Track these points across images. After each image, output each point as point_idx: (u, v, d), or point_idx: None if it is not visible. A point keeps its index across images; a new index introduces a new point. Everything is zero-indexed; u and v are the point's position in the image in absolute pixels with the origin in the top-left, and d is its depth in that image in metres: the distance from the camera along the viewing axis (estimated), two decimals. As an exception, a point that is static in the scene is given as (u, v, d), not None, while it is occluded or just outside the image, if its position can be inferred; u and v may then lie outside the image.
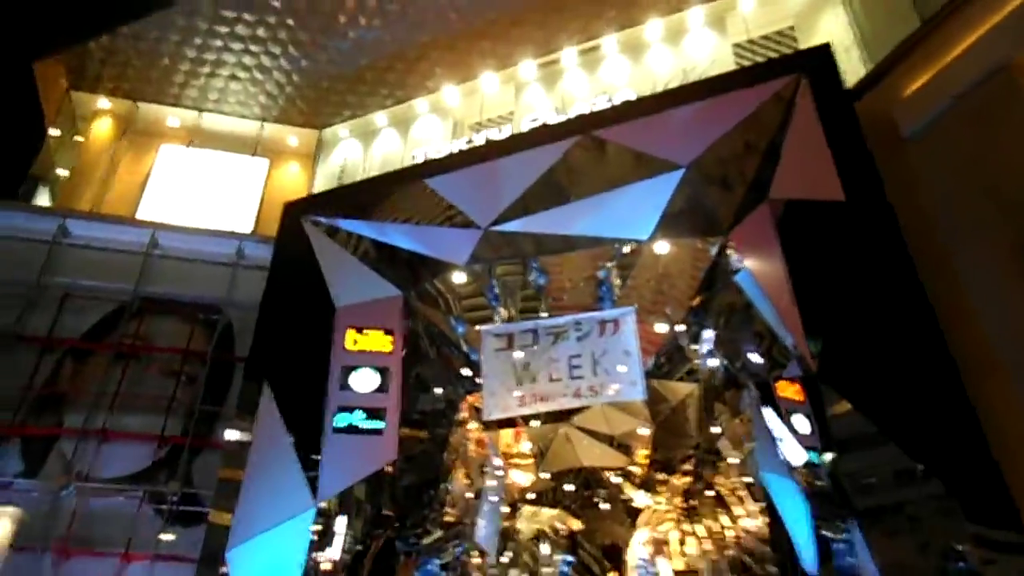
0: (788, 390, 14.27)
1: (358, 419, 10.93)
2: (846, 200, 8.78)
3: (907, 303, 8.40)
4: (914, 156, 9.32)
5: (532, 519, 25.93)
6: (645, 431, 18.85)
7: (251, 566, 9.80)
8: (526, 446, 22.37)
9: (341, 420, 10.89)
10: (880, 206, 8.71)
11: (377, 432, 10.92)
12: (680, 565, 19.64)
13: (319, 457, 10.51)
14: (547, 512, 27.06)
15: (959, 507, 7.98)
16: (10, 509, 10.67)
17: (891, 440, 7.58)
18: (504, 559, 18.30)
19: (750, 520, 18.22)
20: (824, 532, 14.09)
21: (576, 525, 27.31)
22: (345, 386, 11.12)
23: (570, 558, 19.58)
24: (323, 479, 10.41)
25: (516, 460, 21.45)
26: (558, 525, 26.16)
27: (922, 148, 9.26)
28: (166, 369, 12.34)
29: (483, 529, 16.69)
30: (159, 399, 12.10)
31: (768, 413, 15.48)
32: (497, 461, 16.45)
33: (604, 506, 26.73)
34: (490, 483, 16.62)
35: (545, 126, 15.07)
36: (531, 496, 22.23)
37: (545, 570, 18.40)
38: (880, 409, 7.71)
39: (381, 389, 11.17)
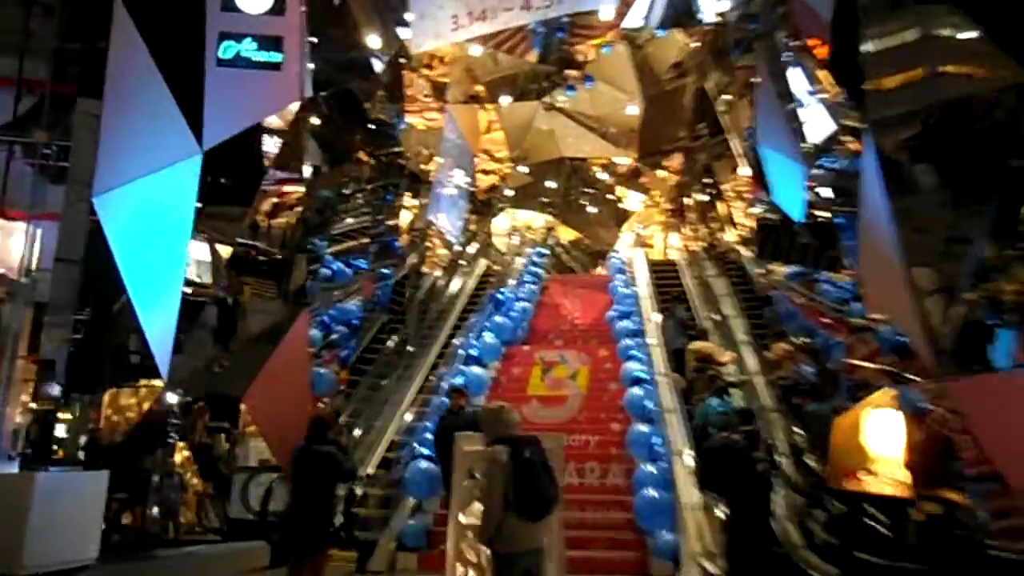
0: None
1: (248, 49, 8.63)
2: None
3: None
4: None
5: (513, 220, 24.88)
6: (633, 110, 16.46)
7: (127, 215, 8.23)
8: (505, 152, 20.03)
9: (227, 50, 8.61)
10: None
11: (273, 66, 8.69)
12: (658, 257, 18.82)
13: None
14: (530, 215, 26.02)
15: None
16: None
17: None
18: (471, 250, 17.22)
19: (741, 218, 16.80)
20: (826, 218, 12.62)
21: (565, 234, 26.44)
22: (229, 6, 8.64)
23: (544, 250, 18.67)
24: (208, 120, 8.42)
25: (490, 152, 19.52)
26: (543, 231, 25.18)
27: None
28: (17, -2, 9.77)
29: (448, 219, 15.27)
30: (12, 35, 9.74)
31: (794, 75, 12.97)
32: (454, 136, 14.38)
33: (592, 209, 25.61)
34: (449, 170, 14.73)
35: None
36: (509, 192, 20.72)
37: (517, 261, 17.43)
38: None
39: (276, 11, 8.71)
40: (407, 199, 13.29)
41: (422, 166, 13.58)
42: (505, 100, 15.78)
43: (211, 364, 8.53)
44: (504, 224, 23.31)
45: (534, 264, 17.28)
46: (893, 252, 7.48)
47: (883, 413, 7.08)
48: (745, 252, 15.09)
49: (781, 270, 14.11)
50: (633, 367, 9.94)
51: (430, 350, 12.70)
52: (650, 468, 7.49)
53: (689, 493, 7.20)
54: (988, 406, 5.66)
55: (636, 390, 9.21)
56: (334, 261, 11.03)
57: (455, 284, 15.58)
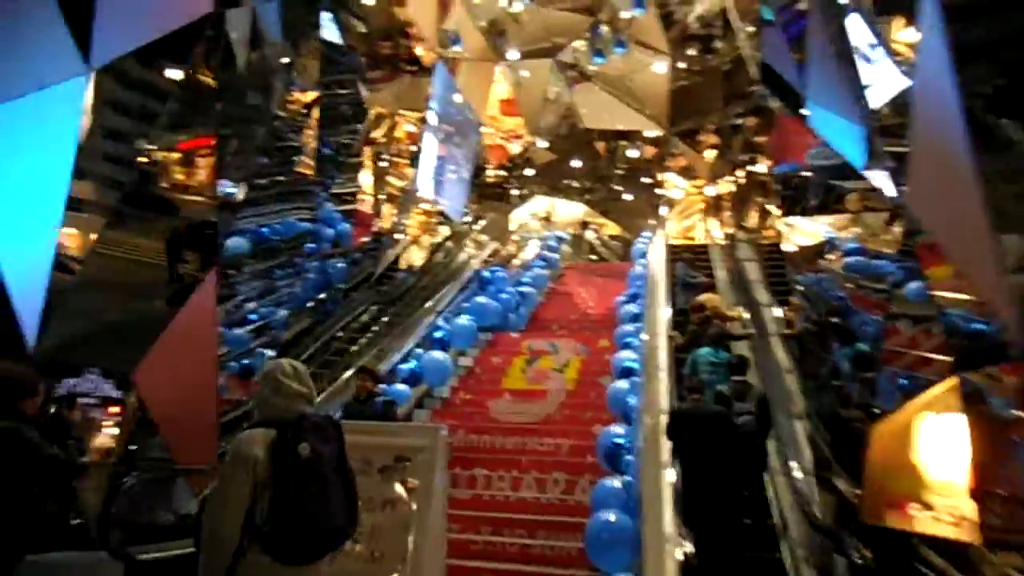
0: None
1: (149, -50, 7.11)
2: None
3: None
4: None
5: (553, 214, 22.91)
6: (661, 68, 14.29)
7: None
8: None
9: (124, -50, 7.10)
10: None
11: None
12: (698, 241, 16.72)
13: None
14: (568, 209, 24.00)
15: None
16: None
17: None
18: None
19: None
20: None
21: (607, 230, 24.37)
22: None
23: (563, 234, 16.74)
24: (97, 34, 6.92)
25: (512, 131, 17.68)
26: (579, 225, 23.15)
27: None
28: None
29: (444, 193, 13.52)
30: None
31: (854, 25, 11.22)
32: (450, 94, 12.63)
33: (628, 197, 23.49)
34: (442, 134, 12.94)
35: None
36: (529, 172, 18.80)
37: (532, 244, 15.63)
38: None
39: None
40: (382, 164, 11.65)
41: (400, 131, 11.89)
42: (513, 55, 13.76)
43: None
44: (537, 210, 21.34)
45: (550, 249, 15.47)
46: (976, 213, 5.37)
47: (947, 420, 4.95)
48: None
49: (839, 260, 12.07)
50: (625, 356, 7.98)
51: (411, 332, 11.02)
52: (614, 483, 5.54)
53: (664, 520, 5.24)
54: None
55: (622, 383, 7.26)
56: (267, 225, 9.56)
57: (458, 260, 13.93)
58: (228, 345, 9.50)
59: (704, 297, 8.40)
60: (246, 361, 9.30)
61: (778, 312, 10.14)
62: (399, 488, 3.89)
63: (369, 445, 3.97)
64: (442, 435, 3.99)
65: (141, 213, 7.58)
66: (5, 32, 6.88)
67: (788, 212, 10.51)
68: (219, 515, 2.31)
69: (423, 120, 12.33)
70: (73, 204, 7.14)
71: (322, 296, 10.74)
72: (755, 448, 5.56)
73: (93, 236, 7.29)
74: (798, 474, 5.85)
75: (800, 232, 13.67)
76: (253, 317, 10.18)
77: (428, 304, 11.19)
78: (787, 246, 13.13)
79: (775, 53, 11.86)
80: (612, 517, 5.14)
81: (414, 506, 3.82)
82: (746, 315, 9.03)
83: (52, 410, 3.73)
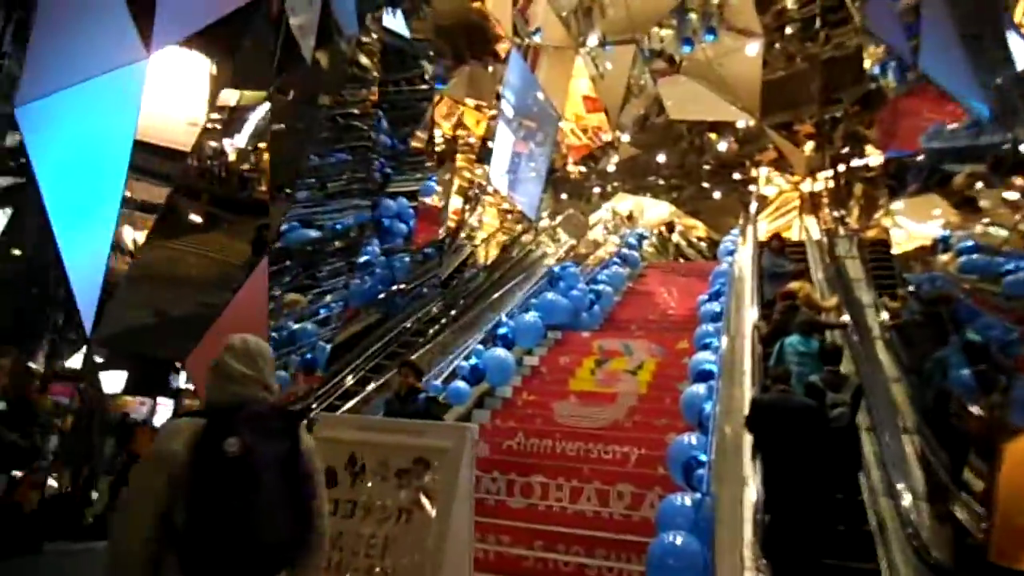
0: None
1: (209, -70, 6.99)
2: None
3: None
4: None
5: (640, 215, 21.98)
6: (754, 51, 13.17)
7: (56, 128, 6.82)
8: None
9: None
10: None
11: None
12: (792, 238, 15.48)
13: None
14: (657, 210, 23.00)
15: None
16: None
17: None
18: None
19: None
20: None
21: (696, 231, 23.25)
22: None
23: (644, 232, 15.88)
24: (159, 20, 6.87)
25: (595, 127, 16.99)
26: (663, 227, 22.15)
27: None
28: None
29: (517, 188, 13.09)
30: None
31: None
32: (525, 85, 12.10)
33: (717, 195, 22.28)
34: (517, 127, 12.44)
35: None
36: (611, 168, 18.00)
37: (611, 241, 14.93)
38: None
39: None
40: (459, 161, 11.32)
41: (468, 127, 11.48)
42: (594, 42, 13.10)
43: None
44: (620, 208, 20.53)
45: (630, 247, 14.70)
46: None
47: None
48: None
49: (953, 261, 10.78)
50: (703, 358, 7.20)
51: (475, 329, 10.58)
52: (683, 500, 4.82)
53: (743, 549, 4.49)
54: None
55: (698, 388, 6.50)
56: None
57: (532, 257, 13.44)
58: (297, 339, 9.41)
59: (795, 285, 7.71)
60: (309, 355, 9.16)
61: (884, 315, 9.06)
62: (420, 496, 3.38)
63: (388, 445, 3.49)
64: (470, 435, 3.44)
65: (229, 215, 7.51)
66: (69, 17, 6.91)
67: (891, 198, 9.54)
68: (121, 527, 1.86)
69: (495, 116, 11.89)
70: (136, 202, 7.10)
71: (392, 288, 10.52)
72: (850, 444, 5.05)
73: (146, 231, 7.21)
74: (907, 500, 4.95)
75: (909, 232, 12.34)
76: (323, 311, 10.08)
77: (495, 297, 10.73)
78: (895, 248, 11.87)
79: (884, 24, 10.73)
80: (679, 540, 4.43)
81: (434, 515, 3.30)
82: (846, 317, 8.08)
83: (20, 395, 3.47)
